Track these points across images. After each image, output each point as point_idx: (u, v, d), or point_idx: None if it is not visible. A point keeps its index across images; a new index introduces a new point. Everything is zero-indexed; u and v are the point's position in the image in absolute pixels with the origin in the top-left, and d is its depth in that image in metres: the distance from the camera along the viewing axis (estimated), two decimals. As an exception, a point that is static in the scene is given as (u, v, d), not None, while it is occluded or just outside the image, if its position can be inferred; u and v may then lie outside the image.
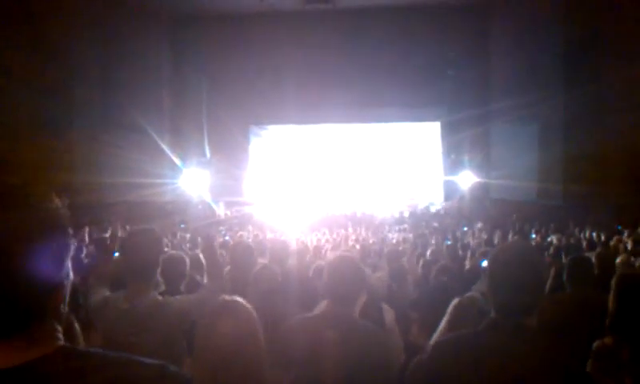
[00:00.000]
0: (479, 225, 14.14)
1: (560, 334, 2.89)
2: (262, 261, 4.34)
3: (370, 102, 19.07)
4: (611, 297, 2.54)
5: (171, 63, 19.31)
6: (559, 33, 15.04)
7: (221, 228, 14.74)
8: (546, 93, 14.74)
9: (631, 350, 2.25)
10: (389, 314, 3.47)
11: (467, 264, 6.06)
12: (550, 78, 15.20)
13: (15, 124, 12.03)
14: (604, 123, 13.21)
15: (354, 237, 11.91)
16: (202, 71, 19.25)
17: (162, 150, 16.92)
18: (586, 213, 12.42)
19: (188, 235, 12.15)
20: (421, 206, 19.59)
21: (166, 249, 3.75)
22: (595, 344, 2.44)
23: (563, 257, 6.16)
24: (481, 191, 18.33)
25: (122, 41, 15.85)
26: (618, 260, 4.68)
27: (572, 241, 8.77)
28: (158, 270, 2.56)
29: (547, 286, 3.86)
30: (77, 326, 2.48)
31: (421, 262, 6.20)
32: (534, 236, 10.96)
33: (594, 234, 9.24)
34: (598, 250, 6.43)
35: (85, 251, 6.43)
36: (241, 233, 12.27)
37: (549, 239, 9.69)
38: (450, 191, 19.65)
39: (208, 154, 19.43)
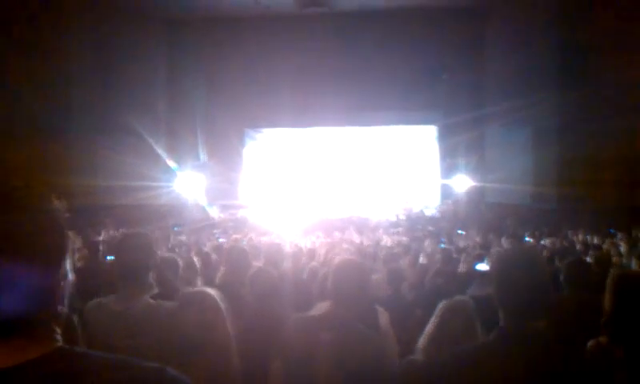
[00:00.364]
0: (474, 228, 14.16)
1: (560, 337, 2.89)
2: (256, 264, 4.34)
3: (365, 105, 19.09)
4: (607, 296, 2.54)
5: (167, 66, 19.31)
6: (553, 37, 15.13)
7: (215, 231, 14.72)
8: (540, 96, 14.82)
9: (626, 349, 2.26)
10: (383, 317, 3.47)
11: (462, 267, 6.07)
12: (544, 82, 15.28)
13: (11, 127, 12.01)
14: (598, 127, 13.26)
15: (348, 240, 11.92)
16: (197, 74, 19.23)
17: (158, 154, 16.91)
18: (580, 216, 12.47)
19: (183, 238, 12.12)
20: (416, 210, 19.60)
21: (158, 252, 3.74)
22: (589, 343, 2.45)
23: (557, 260, 6.19)
24: (476, 195, 18.37)
25: (118, 44, 15.84)
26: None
27: (566, 244, 8.81)
28: (151, 273, 2.55)
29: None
30: (76, 326, 2.47)
31: (418, 265, 6.21)
32: (528, 239, 10.99)
33: (588, 237, 9.29)
34: (591, 252, 6.45)
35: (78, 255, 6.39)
36: (235, 236, 12.25)
37: (542, 242, 9.72)
38: (446, 195, 19.69)
39: (203, 158, 19.41)
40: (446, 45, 18.55)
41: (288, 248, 6.80)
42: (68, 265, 1.03)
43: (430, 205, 20.17)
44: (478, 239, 11.26)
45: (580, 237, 9.70)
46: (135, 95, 16.15)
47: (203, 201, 18.53)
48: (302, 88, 18.41)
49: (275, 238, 9.46)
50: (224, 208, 18.47)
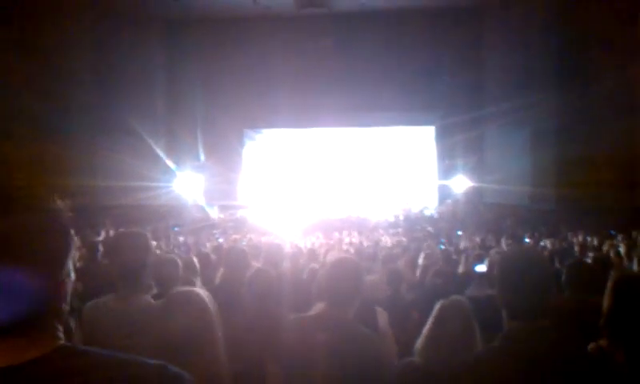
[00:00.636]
0: (473, 229, 14.16)
1: (562, 338, 2.90)
2: (255, 264, 4.33)
3: (364, 105, 19.10)
4: (606, 297, 2.54)
5: (166, 66, 19.31)
6: (552, 38, 15.14)
7: (215, 231, 14.72)
8: (539, 97, 14.83)
9: (626, 351, 2.26)
10: (382, 317, 3.46)
11: (461, 268, 6.06)
12: (542, 83, 15.30)
13: (11, 127, 12.00)
14: (596, 128, 13.28)
15: (347, 240, 11.91)
16: (196, 75, 19.23)
17: (157, 154, 16.91)
18: (578, 217, 12.48)
19: (182, 238, 12.12)
20: (415, 210, 19.61)
21: (158, 252, 3.74)
22: (590, 346, 2.44)
23: (556, 261, 6.18)
24: (474, 195, 18.38)
25: (117, 45, 15.84)
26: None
27: (565, 245, 8.81)
28: (148, 272, 2.55)
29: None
30: (71, 326, 2.47)
31: (417, 266, 6.20)
32: (527, 240, 10.99)
33: (588, 239, 9.28)
34: (590, 254, 6.45)
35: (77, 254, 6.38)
36: (235, 236, 12.25)
37: (542, 243, 9.72)
38: (444, 195, 19.70)
39: (202, 158, 19.41)
40: (444, 45, 18.58)
41: (287, 248, 6.80)
42: (70, 264, 1.04)
43: (428, 205, 20.18)
44: (477, 240, 11.26)
45: (580, 238, 9.69)
46: (134, 95, 16.15)
47: (202, 201, 18.53)
48: (300, 88, 18.41)
49: (275, 239, 9.46)
50: (223, 208, 18.47)
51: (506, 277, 1.79)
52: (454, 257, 7.07)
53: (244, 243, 8.86)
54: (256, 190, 21.05)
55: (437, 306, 2.57)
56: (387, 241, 11.84)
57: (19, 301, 0.93)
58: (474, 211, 17.61)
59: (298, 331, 2.35)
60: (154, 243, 3.82)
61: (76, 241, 1.09)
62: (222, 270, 4.45)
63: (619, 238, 8.24)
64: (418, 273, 5.90)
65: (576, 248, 7.95)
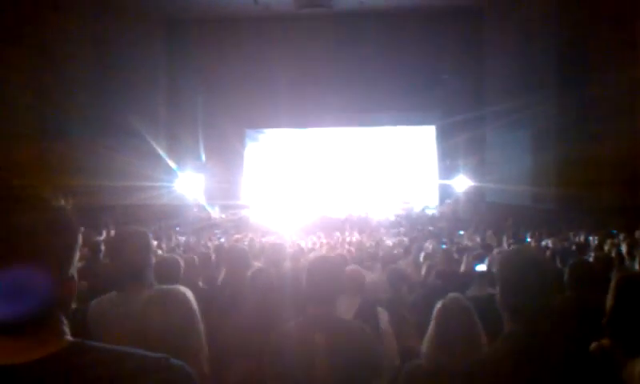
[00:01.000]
0: (473, 228, 14.15)
1: (564, 338, 2.90)
2: (257, 264, 4.34)
3: (365, 105, 19.12)
4: (609, 296, 2.54)
5: (167, 67, 19.33)
6: (552, 38, 15.14)
7: (216, 231, 14.74)
8: (539, 97, 14.82)
9: (627, 350, 2.26)
10: (383, 317, 3.47)
11: (462, 267, 6.06)
12: (542, 83, 15.29)
13: (13, 128, 12.02)
14: (597, 127, 13.28)
15: (349, 239, 11.92)
16: (197, 74, 19.25)
17: (158, 154, 16.91)
18: (580, 216, 12.47)
19: (183, 238, 12.13)
20: (416, 210, 19.61)
21: (159, 251, 3.75)
22: (592, 345, 2.44)
23: (558, 260, 6.18)
24: (475, 195, 18.38)
25: (118, 46, 15.85)
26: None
27: (566, 245, 8.79)
28: (150, 271, 2.54)
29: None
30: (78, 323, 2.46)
31: (418, 266, 6.21)
32: (528, 240, 10.97)
33: (590, 238, 9.27)
34: (592, 253, 6.45)
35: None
36: (237, 236, 12.25)
37: (543, 243, 9.71)
38: (445, 195, 19.71)
39: (203, 158, 19.43)
40: (445, 45, 18.58)
41: (289, 248, 6.79)
42: (77, 261, 1.06)
43: (429, 205, 20.20)
44: (477, 240, 11.25)
45: (581, 237, 9.68)
46: (136, 96, 16.16)
47: (204, 201, 18.55)
48: (301, 88, 18.43)
49: (276, 238, 9.46)
50: (225, 208, 18.49)
51: (507, 278, 1.78)
52: (456, 256, 7.07)
53: (245, 243, 8.86)
54: (257, 189, 21.07)
55: (437, 306, 2.56)
56: (389, 241, 11.83)
57: (29, 299, 0.94)
58: (474, 211, 17.61)
59: (292, 337, 2.34)
60: (155, 243, 3.83)
61: (80, 240, 1.10)
62: (223, 269, 4.45)
63: (620, 237, 8.23)
64: (422, 272, 5.90)
65: (578, 247, 7.94)
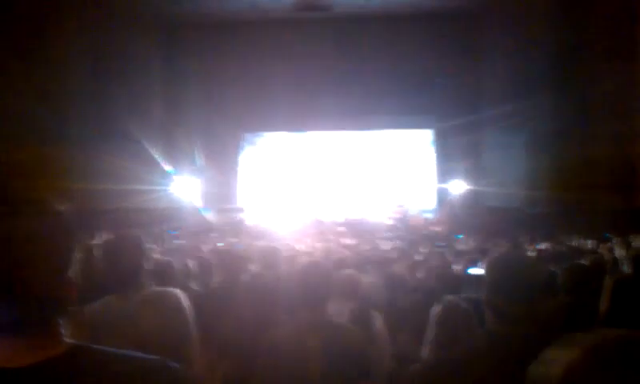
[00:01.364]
0: (470, 232, 14.17)
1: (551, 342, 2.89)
2: (252, 267, 4.34)
3: (362, 109, 19.15)
4: (604, 300, 2.55)
5: (164, 70, 19.29)
6: (548, 41, 15.20)
7: (212, 235, 14.69)
8: (536, 101, 14.87)
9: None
10: (378, 321, 3.47)
11: (457, 271, 6.06)
12: (539, 86, 15.34)
13: (8, 131, 11.99)
14: (593, 131, 13.33)
15: (345, 243, 11.90)
16: (194, 78, 19.23)
17: (154, 157, 16.88)
18: (575, 220, 12.50)
19: (178, 242, 12.08)
20: (412, 213, 19.61)
21: (155, 256, 3.74)
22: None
23: (552, 264, 6.19)
24: (472, 199, 18.41)
25: (114, 49, 15.83)
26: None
27: (562, 248, 8.82)
28: (144, 274, 2.54)
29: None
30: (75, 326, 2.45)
31: (414, 269, 6.21)
32: (524, 243, 10.99)
33: (585, 242, 9.30)
34: (587, 256, 6.46)
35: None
36: (232, 239, 12.22)
37: (538, 246, 9.73)
38: (442, 199, 19.74)
39: (199, 161, 19.41)
40: (442, 49, 18.63)
41: (284, 251, 6.78)
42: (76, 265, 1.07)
43: (426, 208, 20.21)
44: (474, 243, 11.27)
45: (576, 241, 9.71)
46: (132, 99, 16.13)
47: (200, 205, 18.53)
48: (298, 92, 18.44)
49: (272, 242, 9.45)
50: (221, 212, 18.46)
51: (494, 279, 1.78)
52: (451, 260, 7.08)
53: (241, 247, 8.84)
54: (254, 193, 21.05)
55: (435, 310, 2.56)
56: (384, 244, 11.83)
57: (29, 303, 0.95)
58: (471, 215, 17.63)
59: (285, 343, 2.34)
60: (150, 247, 3.82)
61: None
62: (219, 273, 4.45)
63: (614, 240, 8.26)
64: (418, 275, 5.90)
65: (573, 251, 7.96)
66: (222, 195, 18.92)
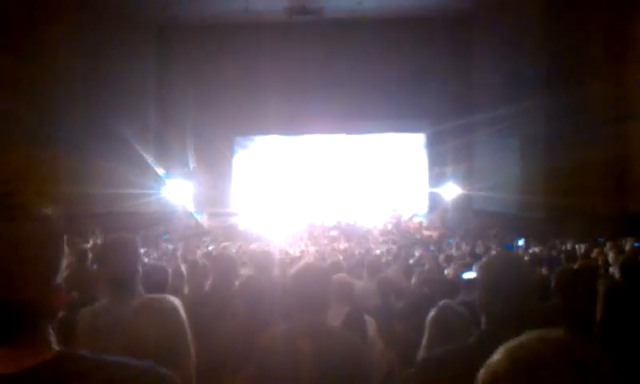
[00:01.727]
0: (462, 236, 14.22)
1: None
2: (245, 271, 4.32)
3: (354, 113, 19.18)
4: (598, 305, 2.56)
5: (156, 73, 19.25)
6: (540, 46, 15.29)
7: (205, 238, 14.67)
8: (527, 105, 14.94)
9: (617, 358, 2.28)
10: (371, 326, 3.47)
11: (450, 275, 6.08)
12: (531, 90, 15.41)
13: (1, 135, 11.89)
14: (585, 135, 13.39)
15: (338, 247, 11.92)
16: (187, 81, 19.19)
17: (146, 161, 16.82)
18: (567, 224, 12.56)
19: (171, 246, 12.06)
20: (405, 218, 19.66)
21: (147, 260, 3.72)
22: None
23: (545, 268, 6.22)
24: (464, 203, 18.46)
25: (107, 52, 15.77)
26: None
27: (554, 253, 8.86)
28: (138, 279, 2.52)
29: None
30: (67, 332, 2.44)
31: (407, 274, 6.21)
32: (516, 247, 11.05)
33: (577, 247, 9.34)
34: (579, 261, 6.50)
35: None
36: (225, 243, 12.21)
37: (530, 251, 9.77)
38: (434, 203, 19.78)
39: (192, 165, 19.36)
40: (434, 53, 18.72)
41: (277, 255, 6.78)
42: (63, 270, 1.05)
43: (418, 213, 20.25)
44: (465, 248, 11.30)
45: (568, 245, 9.75)
46: (124, 102, 16.07)
47: (192, 208, 18.48)
48: (290, 96, 18.44)
49: (265, 246, 9.44)
50: (214, 216, 18.42)
51: (486, 282, 1.78)
52: (444, 264, 7.09)
53: (234, 250, 8.83)
54: (247, 197, 21.02)
55: (430, 314, 2.56)
56: (377, 248, 11.85)
57: (16, 309, 0.94)
58: (463, 219, 17.69)
59: (279, 345, 2.32)
60: (142, 250, 3.81)
61: (65, 248, 1.10)
62: (211, 277, 4.43)
63: (607, 245, 8.30)
64: (412, 280, 5.91)
65: (565, 255, 8.00)
66: (214, 199, 18.87)
